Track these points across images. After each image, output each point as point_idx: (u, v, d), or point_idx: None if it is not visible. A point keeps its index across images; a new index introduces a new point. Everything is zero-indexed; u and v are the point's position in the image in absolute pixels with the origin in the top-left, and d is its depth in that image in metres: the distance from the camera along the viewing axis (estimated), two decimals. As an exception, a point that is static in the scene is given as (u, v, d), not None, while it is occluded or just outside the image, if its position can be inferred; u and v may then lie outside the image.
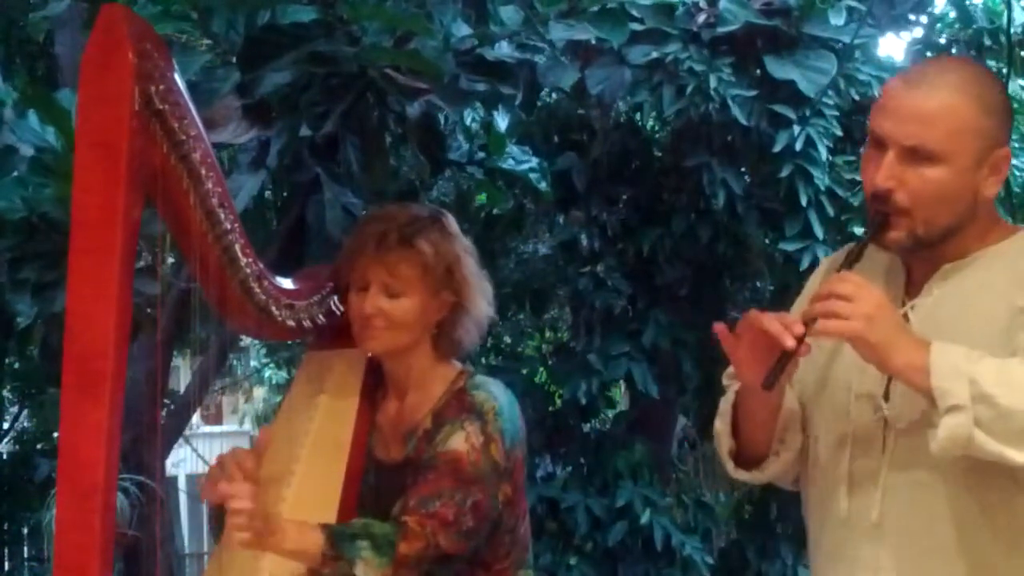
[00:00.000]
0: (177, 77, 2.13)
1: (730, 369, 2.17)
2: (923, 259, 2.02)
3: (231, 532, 2.16)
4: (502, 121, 3.86)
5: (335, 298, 2.43)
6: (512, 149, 4.05)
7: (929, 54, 5.03)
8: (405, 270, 2.34)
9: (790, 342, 1.88)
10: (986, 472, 1.90)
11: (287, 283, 2.40)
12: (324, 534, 2.18)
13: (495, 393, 2.37)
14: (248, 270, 2.26)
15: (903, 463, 1.98)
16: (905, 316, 2.01)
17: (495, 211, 5.73)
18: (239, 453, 2.25)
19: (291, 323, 2.38)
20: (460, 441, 2.30)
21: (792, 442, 2.11)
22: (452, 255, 2.38)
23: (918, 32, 5.01)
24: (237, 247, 2.24)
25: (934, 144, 1.93)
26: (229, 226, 2.21)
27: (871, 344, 1.88)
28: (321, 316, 2.42)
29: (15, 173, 3.16)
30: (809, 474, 2.14)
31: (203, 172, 2.15)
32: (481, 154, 4.00)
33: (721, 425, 2.15)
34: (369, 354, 2.47)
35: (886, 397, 2.01)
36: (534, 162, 4.11)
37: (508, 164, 4.02)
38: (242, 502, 2.12)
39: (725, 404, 2.15)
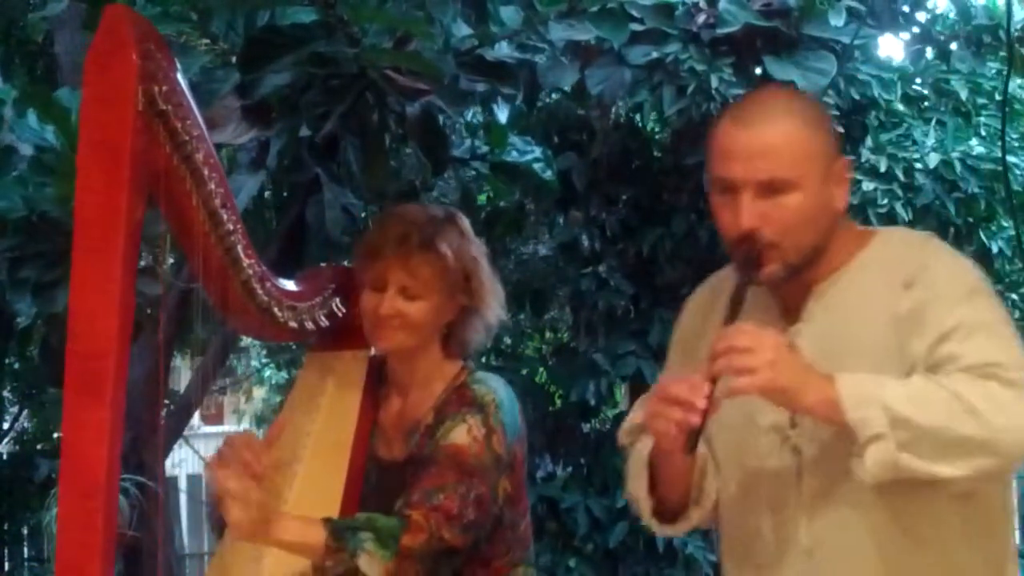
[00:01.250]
0: (180, 78, 2.13)
1: (627, 425, 2.21)
2: (795, 285, 2.05)
3: (230, 522, 2.16)
4: (502, 114, 3.85)
5: (337, 300, 2.44)
6: (515, 140, 4.04)
7: (929, 53, 5.03)
8: (426, 273, 2.34)
9: (701, 404, 1.89)
10: (906, 487, 1.92)
11: (289, 284, 2.40)
12: (327, 527, 2.18)
13: (495, 387, 2.37)
14: (250, 271, 2.27)
15: (820, 486, 2.01)
16: (791, 345, 2.01)
17: (501, 204, 5.72)
18: (251, 439, 2.26)
19: (293, 324, 2.38)
20: (462, 434, 2.30)
21: (710, 488, 2.13)
22: (470, 258, 2.38)
23: (917, 31, 5.00)
24: (239, 248, 2.24)
25: (784, 173, 1.97)
26: (232, 227, 2.22)
27: (780, 389, 1.90)
28: (323, 318, 2.42)
29: (15, 172, 3.16)
30: (724, 516, 2.14)
31: (206, 173, 2.15)
32: (484, 148, 3.99)
33: (638, 487, 2.15)
34: (373, 353, 2.47)
35: (792, 425, 2.03)
36: (538, 152, 4.09)
37: (511, 156, 4.01)
38: (237, 484, 2.12)
39: (636, 466, 2.15)
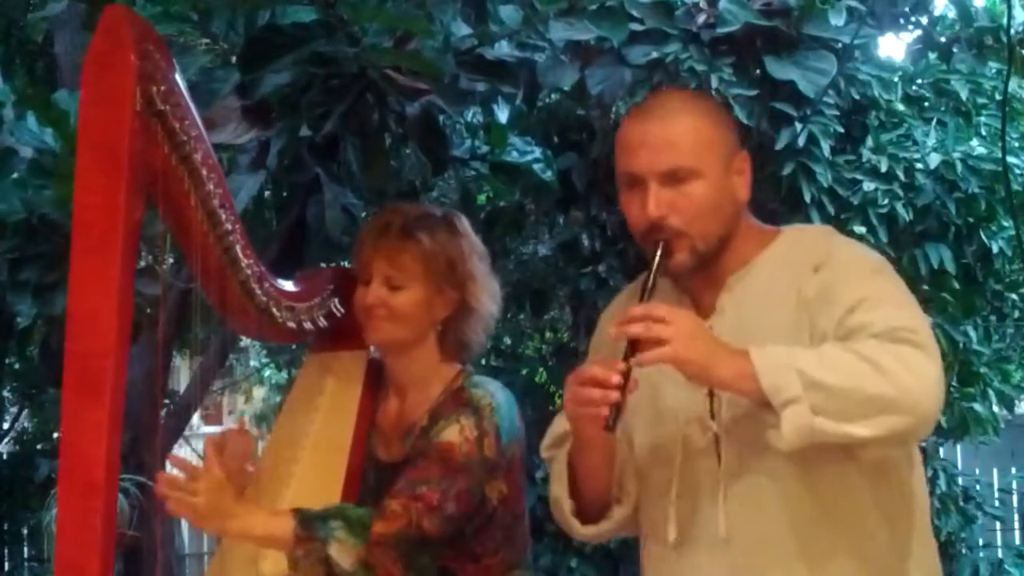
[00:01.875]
0: (178, 78, 2.14)
1: (547, 439, 2.25)
2: (705, 279, 2.12)
3: (176, 512, 2.19)
4: (502, 114, 3.85)
5: (336, 300, 2.44)
6: (515, 141, 4.05)
7: (931, 54, 5.03)
8: (405, 261, 2.35)
9: (616, 380, 1.93)
10: (821, 462, 1.98)
11: (288, 285, 2.40)
12: (295, 517, 2.19)
13: (492, 391, 2.38)
14: (249, 271, 2.27)
15: (740, 474, 2.05)
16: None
17: (501, 204, 5.72)
18: (231, 436, 2.32)
19: (292, 325, 2.39)
20: (454, 433, 2.31)
21: (631, 487, 2.16)
22: (455, 250, 2.39)
23: (918, 32, 5.00)
24: (238, 248, 2.24)
25: (687, 161, 2.05)
26: (230, 227, 2.22)
27: (695, 362, 1.95)
28: (322, 318, 2.42)
29: (14, 175, 3.16)
30: (643, 511, 2.17)
31: (204, 173, 2.16)
32: (484, 148, 3.99)
33: (559, 488, 2.19)
34: (371, 352, 2.48)
35: (712, 415, 2.07)
36: (538, 152, 4.10)
37: (511, 156, 4.01)
38: (182, 478, 2.15)
39: (559, 468, 2.19)
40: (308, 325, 2.41)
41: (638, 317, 1.95)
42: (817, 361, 1.91)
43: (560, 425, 2.21)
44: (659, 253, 2.04)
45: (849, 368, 1.90)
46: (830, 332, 1.99)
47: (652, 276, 2.04)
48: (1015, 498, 8.45)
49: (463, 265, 2.39)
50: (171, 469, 2.28)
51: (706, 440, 2.08)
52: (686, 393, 2.06)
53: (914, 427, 1.94)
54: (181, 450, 5.67)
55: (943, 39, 4.89)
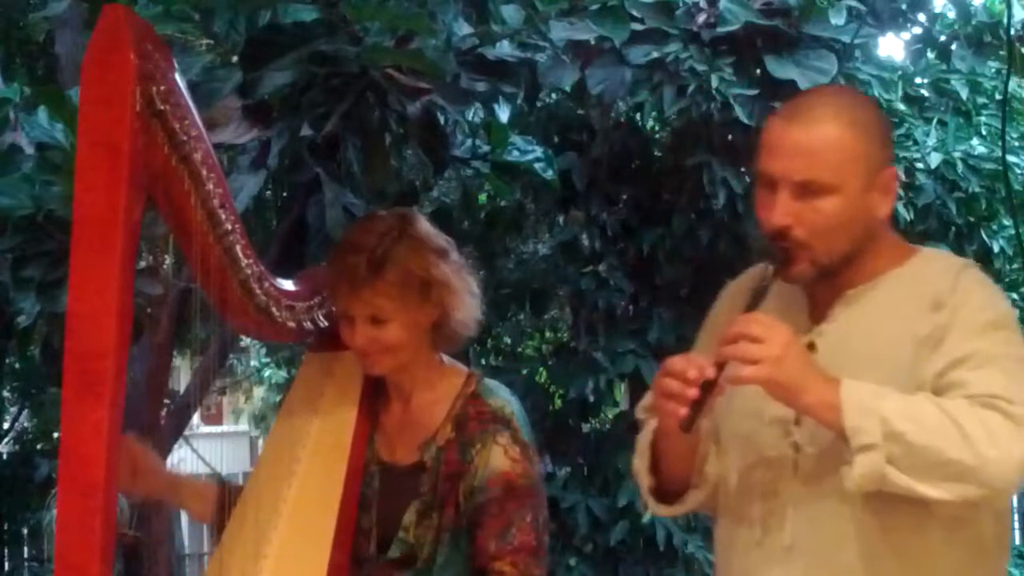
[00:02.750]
0: (178, 78, 2.13)
1: (643, 402, 2.21)
2: (827, 286, 2.06)
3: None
4: (503, 113, 3.85)
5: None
6: (516, 140, 4.04)
7: (930, 53, 5.03)
8: (381, 300, 2.32)
9: (694, 374, 1.92)
10: (897, 501, 1.93)
11: (288, 284, 2.39)
12: None
13: (507, 398, 2.38)
14: (249, 271, 2.26)
15: (814, 487, 2.02)
16: (811, 343, 2.04)
17: (502, 203, 5.72)
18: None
19: (291, 324, 2.38)
20: (500, 457, 2.29)
21: (710, 474, 2.14)
22: (423, 268, 2.33)
23: (917, 31, 5.00)
24: (238, 248, 2.24)
25: (823, 176, 1.97)
26: (230, 227, 2.21)
27: (782, 385, 1.91)
28: (321, 318, 2.41)
29: (20, 171, 3.16)
30: (721, 503, 2.16)
31: (204, 173, 2.15)
32: (484, 148, 3.99)
33: (640, 463, 2.17)
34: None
35: (797, 422, 2.03)
36: (539, 151, 4.09)
37: (512, 156, 4.00)
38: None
39: (643, 442, 2.17)
40: (308, 325, 2.40)
41: (732, 336, 1.92)
42: (904, 411, 1.86)
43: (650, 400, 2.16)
44: (778, 261, 2.00)
45: (934, 426, 1.85)
46: (928, 380, 1.93)
47: (765, 284, 2.00)
48: (1015, 498, 8.44)
49: (434, 279, 2.35)
50: None
51: (786, 447, 2.05)
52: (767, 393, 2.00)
53: (986, 499, 1.89)
54: (181, 450, 5.67)
55: (942, 37, 4.90)
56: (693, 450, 2.11)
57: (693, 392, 1.91)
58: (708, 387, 1.93)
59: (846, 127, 1.99)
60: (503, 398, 2.36)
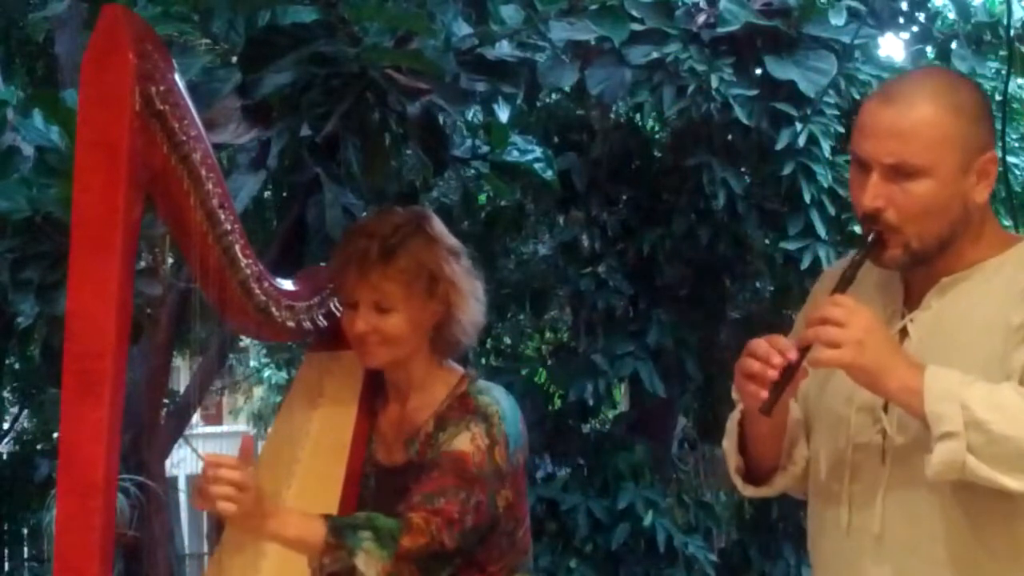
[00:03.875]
0: (177, 78, 2.13)
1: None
2: (923, 273, 2.02)
3: (223, 513, 2.16)
4: (503, 114, 3.84)
5: (335, 300, 2.43)
6: (516, 140, 4.04)
7: (929, 51, 5.03)
8: (389, 286, 2.33)
9: (777, 359, 1.89)
10: (987, 496, 1.90)
11: (287, 284, 2.40)
12: (327, 524, 2.18)
13: (498, 398, 2.36)
14: (248, 271, 2.26)
15: (903, 475, 1.99)
16: (904, 329, 2.01)
17: (502, 204, 5.72)
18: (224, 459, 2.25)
19: (291, 324, 2.38)
20: (465, 442, 2.29)
21: (799, 456, 2.11)
22: (434, 262, 2.35)
23: (917, 30, 5.01)
24: (237, 248, 2.24)
25: (914, 159, 1.93)
26: (229, 227, 2.21)
27: (864, 369, 1.89)
28: (321, 317, 2.42)
29: (18, 173, 3.16)
30: (811, 487, 2.14)
31: (203, 173, 2.15)
32: (484, 148, 3.98)
33: (728, 444, 2.15)
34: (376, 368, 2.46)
35: (885, 409, 2.00)
36: (539, 151, 4.09)
37: (512, 156, 4.00)
38: (231, 474, 2.12)
39: (732, 423, 2.15)
40: (307, 324, 2.40)
41: (816, 320, 1.90)
42: (987, 400, 1.83)
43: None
44: (868, 244, 1.97)
45: (1017, 417, 1.82)
46: (1017, 370, 1.90)
47: (853, 267, 1.97)
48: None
49: (443, 275, 2.36)
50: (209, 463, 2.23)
51: (875, 434, 2.02)
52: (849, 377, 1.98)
53: None
54: (181, 450, 5.67)
55: (942, 37, 4.90)
56: (780, 432, 2.09)
57: (773, 374, 1.89)
58: (790, 370, 1.90)
59: (941, 109, 1.95)
60: (492, 397, 2.35)
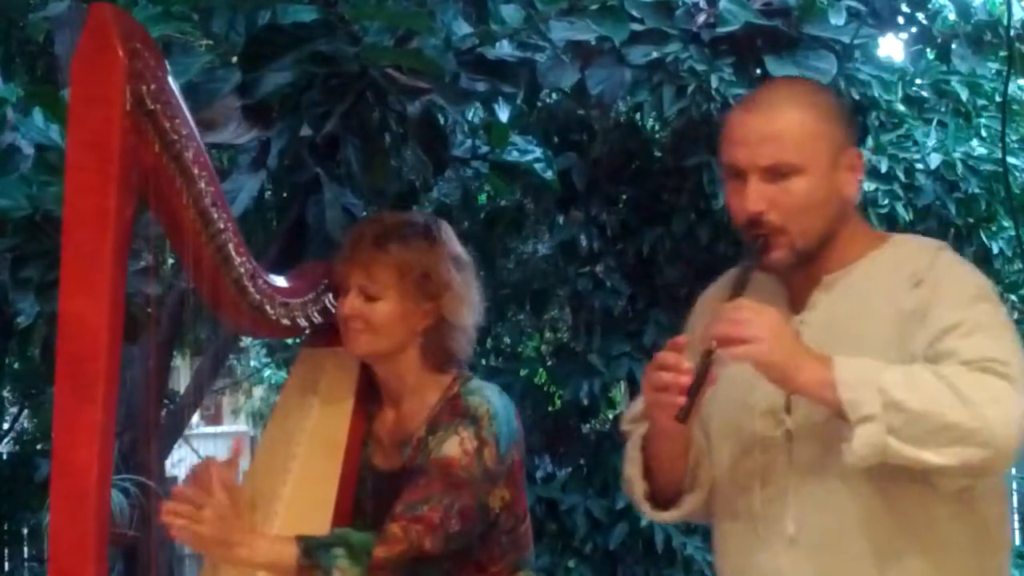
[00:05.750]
0: (169, 76, 2.13)
1: (628, 414, 2.23)
2: (804, 275, 2.08)
3: (183, 539, 2.19)
4: (503, 114, 3.85)
5: (330, 296, 2.43)
6: (516, 140, 4.04)
7: (930, 55, 5.03)
8: (379, 272, 2.34)
9: (687, 364, 1.93)
10: (898, 479, 1.94)
11: (281, 281, 2.40)
12: (299, 545, 2.19)
13: (489, 397, 2.36)
14: (242, 269, 2.26)
15: (811, 473, 2.02)
16: (796, 333, 2.04)
17: (502, 203, 5.72)
18: (213, 467, 2.26)
19: (286, 321, 2.38)
20: (454, 446, 2.30)
21: (705, 476, 2.14)
22: (429, 262, 2.36)
23: (916, 31, 5.00)
24: (231, 246, 2.24)
25: (789, 157, 2.01)
26: (222, 225, 2.21)
27: (775, 365, 1.93)
28: (316, 314, 2.42)
29: (18, 172, 3.16)
30: (717, 501, 2.16)
31: (196, 171, 2.15)
32: (484, 148, 3.99)
33: (632, 470, 2.18)
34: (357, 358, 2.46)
35: (787, 410, 2.04)
36: (538, 152, 4.09)
37: (512, 156, 4.01)
38: (187, 509, 2.14)
39: (633, 450, 2.18)
40: (302, 321, 2.40)
41: (723, 324, 1.94)
42: (901, 381, 1.87)
43: (640, 403, 2.17)
44: (755, 249, 2.02)
45: (932, 393, 1.86)
46: (920, 352, 1.95)
47: (745, 272, 2.02)
48: (1015, 499, 8.44)
49: (438, 276, 2.36)
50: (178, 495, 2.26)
51: (779, 435, 2.05)
52: (763, 387, 2.01)
53: (990, 461, 1.88)
54: (181, 450, 5.67)
55: (941, 38, 4.89)
56: (685, 452, 2.12)
57: (686, 379, 1.92)
58: (701, 375, 1.93)
59: (805, 109, 2.04)
60: (483, 397, 2.35)
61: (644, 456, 2.15)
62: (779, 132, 2.01)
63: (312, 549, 2.19)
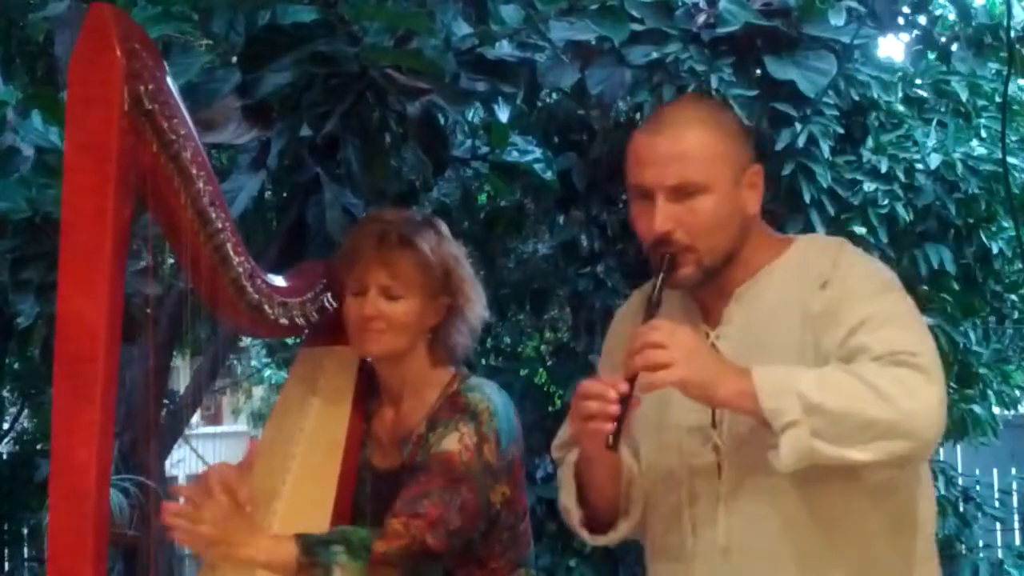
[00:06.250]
0: (167, 77, 2.13)
1: (557, 441, 2.26)
2: (713, 289, 2.12)
3: (183, 541, 2.20)
4: (503, 114, 3.85)
5: (328, 295, 2.43)
6: (515, 140, 4.05)
7: (930, 55, 5.03)
8: (406, 271, 2.35)
9: (612, 394, 1.95)
10: (823, 480, 1.98)
11: (280, 281, 2.40)
12: (298, 544, 2.19)
13: (489, 394, 2.37)
14: (240, 269, 2.27)
15: (740, 485, 2.06)
16: (712, 347, 2.09)
17: (502, 203, 5.71)
18: (224, 471, 2.26)
19: (284, 321, 2.38)
20: (454, 441, 2.30)
21: (638, 497, 2.17)
22: (450, 257, 2.39)
23: (917, 32, 5.00)
24: (229, 246, 2.24)
25: (695, 176, 2.05)
26: (220, 225, 2.22)
27: (695, 384, 1.96)
28: (315, 313, 2.42)
29: (18, 173, 3.16)
30: (649, 518, 2.19)
31: (194, 171, 2.15)
32: (484, 149, 3.99)
33: (567, 498, 2.21)
34: (366, 356, 2.47)
35: (714, 425, 2.08)
36: (538, 152, 4.10)
37: (512, 156, 4.02)
38: (186, 510, 2.15)
39: (566, 477, 2.21)
40: (301, 320, 2.41)
41: (638, 348, 1.96)
42: (817, 384, 1.91)
43: (567, 429, 2.22)
44: (664, 267, 2.05)
45: (850, 392, 1.90)
46: (833, 352, 1.99)
47: (657, 291, 2.05)
48: (1015, 499, 8.45)
49: (456, 272, 2.39)
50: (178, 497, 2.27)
51: (708, 452, 2.09)
52: (689, 404, 2.05)
53: (914, 451, 1.94)
54: (181, 450, 5.67)
55: (943, 39, 4.89)
56: (617, 476, 2.15)
57: (614, 408, 1.95)
58: (625, 401, 1.96)
59: (709, 130, 2.09)
60: (483, 394, 2.36)
61: (577, 483, 2.18)
62: (684, 152, 2.06)
63: (311, 546, 2.20)
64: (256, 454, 2.36)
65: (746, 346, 2.06)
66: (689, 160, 2.06)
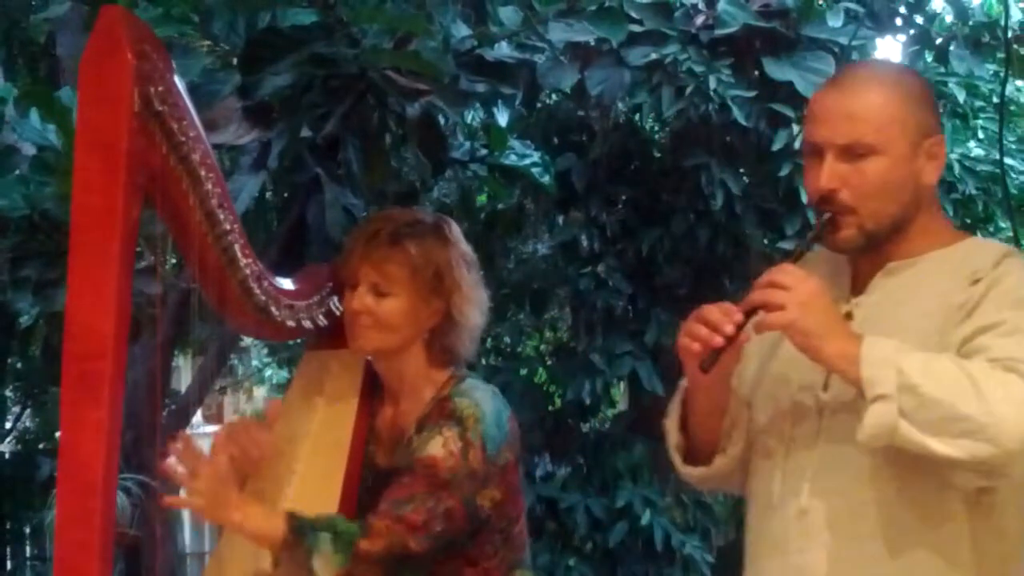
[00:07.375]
0: (176, 78, 2.14)
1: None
2: (870, 259, 2.07)
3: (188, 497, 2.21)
4: (502, 117, 3.86)
5: (335, 298, 2.44)
6: (514, 144, 4.06)
7: (928, 57, 5.05)
8: (392, 269, 2.34)
9: (729, 329, 1.94)
10: (916, 465, 1.93)
11: (287, 283, 2.40)
12: (288, 522, 2.20)
13: (478, 399, 2.35)
14: (248, 271, 2.27)
15: (835, 451, 2.02)
16: (849, 314, 2.05)
17: (500, 206, 5.73)
18: (249, 424, 2.29)
19: (291, 323, 2.38)
20: (437, 446, 2.29)
21: (738, 439, 2.15)
22: (442, 260, 2.37)
23: (914, 32, 5.02)
24: (237, 247, 2.24)
25: (867, 137, 2.00)
26: (229, 227, 2.22)
27: (804, 332, 1.93)
28: (321, 316, 2.42)
29: (17, 172, 3.17)
30: (753, 466, 2.17)
31: (203, 173, 2.16)
32: (483, 151, 4.00)
33: (670, 421, 2.19)
34: (363, 355, 2.48)
35: (824, 387, 2.04)
36: (536, 156, 4.11)
37: (510, 159, 4.03)
38: (194, 463, 2.17)
39: (675, 402, 2.20)
40: (307, 323, 2.41)
41: (764, 282, 1.95)
42: (921, 366, 1.87)
43: (679, 343, 2.13)
44: (820, 225, 2.02)
45: (949, 382, 1.85)
46: (954, 345, 1.95)
47: (806, 244, 2.03)
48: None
49: (450, 275, 2.37)
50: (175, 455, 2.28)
51: (814, 410, 2.05)
52: (805, 360, 1.99)
53: (998, 459, 1.86)
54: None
55: (940, 39, 4.91)
56: (721, 412, 2.13)
57: (719, 341, 1.94)
58: (734, 332, 1.95)
59: (889, 91, 2.03)
60: (472, 400, 2.35)
61: (683, 409, 2.17)
62: (858, 112, 2.00)
63: (300, 528, 2.21)
64: (275, 413, 2.38)
65: (876, 320, 2.01)
66: (862, 120, 2.00)
